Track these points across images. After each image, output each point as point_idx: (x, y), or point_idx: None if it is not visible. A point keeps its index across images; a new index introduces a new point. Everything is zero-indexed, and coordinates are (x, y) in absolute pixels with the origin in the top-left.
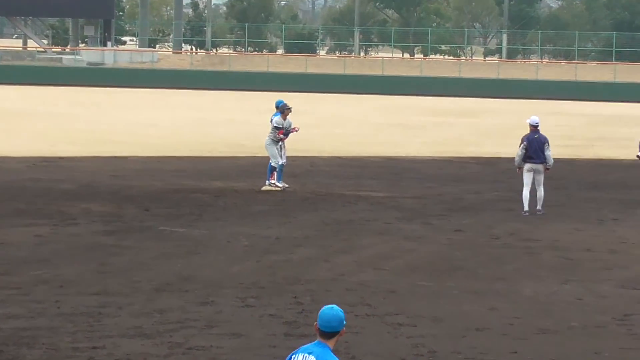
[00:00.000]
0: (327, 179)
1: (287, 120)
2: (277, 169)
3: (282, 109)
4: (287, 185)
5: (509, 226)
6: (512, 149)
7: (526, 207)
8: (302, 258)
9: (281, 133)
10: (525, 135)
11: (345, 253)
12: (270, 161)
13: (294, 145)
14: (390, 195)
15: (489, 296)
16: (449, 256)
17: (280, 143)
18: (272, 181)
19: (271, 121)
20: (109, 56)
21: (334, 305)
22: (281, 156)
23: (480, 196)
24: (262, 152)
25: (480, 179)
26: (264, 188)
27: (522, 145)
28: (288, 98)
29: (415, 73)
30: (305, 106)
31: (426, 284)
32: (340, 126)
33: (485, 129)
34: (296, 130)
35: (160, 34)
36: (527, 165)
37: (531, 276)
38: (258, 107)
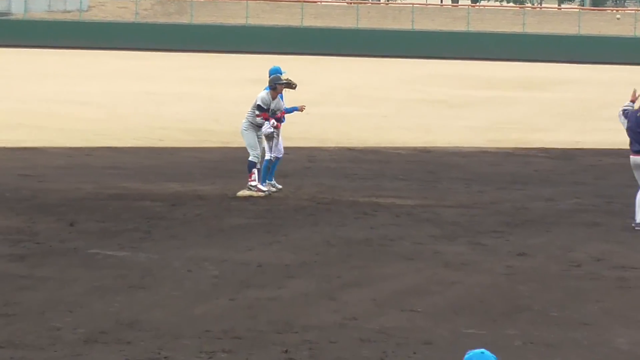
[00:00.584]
0: (332, 179)
1: (276, 100)
2: (258, 166)
3: (273, 83)
4: (275, 189)
5: (594, 248)
6: (599, 136)
7: (638, 219)
8: (295, 294)
9: (265, 117)
10: (629, 111)
11: (358, 287)
12: (251, 155)
13: (285, 132)
14: (423, 203)
15: (566, 349)
16: (509, 291)
17: (268, 130)
18: (253, 183)
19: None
20: (17, 3)
21: (483, 350)
22: (271, 148)
23: (552, 205)
24: (239, 141)
25: (553, 179)
26: (240, 193)
27: (625, 123)
28: (278, 64)
29: (459, 27)
30: (302, 75)
31: (476, 331)
32: (352, 104)
33: (560, 108)
34: (294, 113)
35: None
36: (631, 159)
37: (626, 320)
38: (233, 75)
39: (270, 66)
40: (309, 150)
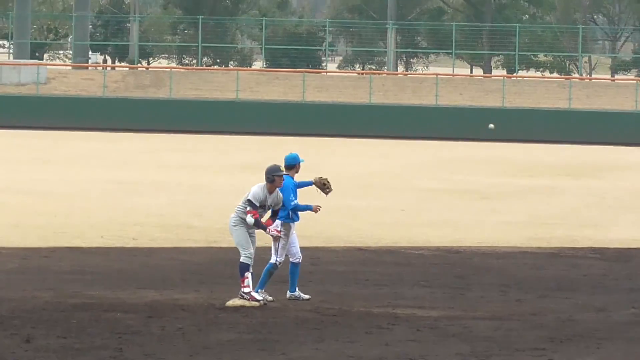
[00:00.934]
0: (340, 285)
1: (274, 195)
2: (251, 270)
3: (271, 175)
4: (270, 298)
5: None
6: None
7: None
8: None
9: (254, 214)
10: None
11: None
12: (242, 255)
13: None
14: (449, 314)
15: None
16: None
17: (272, 233)
18: (246, 290)
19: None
20: None
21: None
22: (277, 251)
23: (604, 316)
24: (228, 239)
25: (606, 285)
26: (230, 303)
27: None
28: (275, 146)
29: (492, 102)
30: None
31: None
32: (363, 194)
33: (614, 199)
34: (271, 234)
35: (53, 36)
36: None
37: None
38: (220, 161)
39: (286, 153)
40: (312, 251)
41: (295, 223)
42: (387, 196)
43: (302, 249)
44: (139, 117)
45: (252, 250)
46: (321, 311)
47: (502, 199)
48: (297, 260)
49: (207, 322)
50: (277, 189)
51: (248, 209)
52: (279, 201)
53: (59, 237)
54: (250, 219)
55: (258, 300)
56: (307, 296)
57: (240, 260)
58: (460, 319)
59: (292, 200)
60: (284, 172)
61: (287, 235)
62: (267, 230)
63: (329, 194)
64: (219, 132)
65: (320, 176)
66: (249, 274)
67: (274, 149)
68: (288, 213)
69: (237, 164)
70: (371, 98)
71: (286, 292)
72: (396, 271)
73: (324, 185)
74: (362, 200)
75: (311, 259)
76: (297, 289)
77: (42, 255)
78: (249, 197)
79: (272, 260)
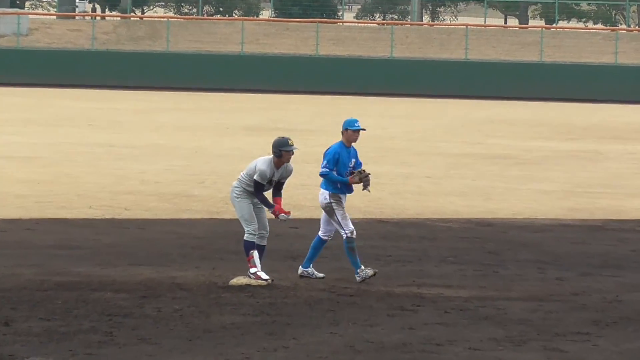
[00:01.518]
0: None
1: (282, 169)
2: (256, 246)
3: (278, 150)
4: (320, 275)
5: None
6: None
7: None
8: None
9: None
10: None
11: None
12: (246, 231)
13: (294, 199)
14: (481, 294)
15: None
16: None
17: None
18: (252, 270)
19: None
20: None
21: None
22: (340, 224)
23: None
24: (232, 210)
25: None
26: (235, 281)
27: None
28: (285, 104)
29: (529, 56)
30: (316, 122)
31: None
32: (384, 160)
33: None
34: (281, 218)
35: None
36: None
37: None
38: (224, 121)
39: (346, 117)
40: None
41: (346, 196)
42: (410, 162)
43: (315, 221)
44: (132, 73)
45: (256, 225)
46: (337, 291)
47: (539, 164)
48: (327, 237)
49: (208, 303)
50: (285, 163)
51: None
52: (287, 174)
53: (43, 208)
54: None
55: (265, 280)
56: (321, 274)
57: (245, 237)
58: (493, 300)
59: (324, 166)
60: (294, 147)
61: (339, 204)
62: (274, 211)
63: (366, 190)
64: (221, 90)
65: (362, 169)
66: (254, 253)
67: (283, 109)
68: (334, 184)
69: (243, 126)
70: (393, 52)
71: (298, 268)
72: (421, 246)
73: (361, 180)
74: (382, 166)
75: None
76: (311, 265)
77: (23, 228)
78: (255, 178)
79: (344, 236)
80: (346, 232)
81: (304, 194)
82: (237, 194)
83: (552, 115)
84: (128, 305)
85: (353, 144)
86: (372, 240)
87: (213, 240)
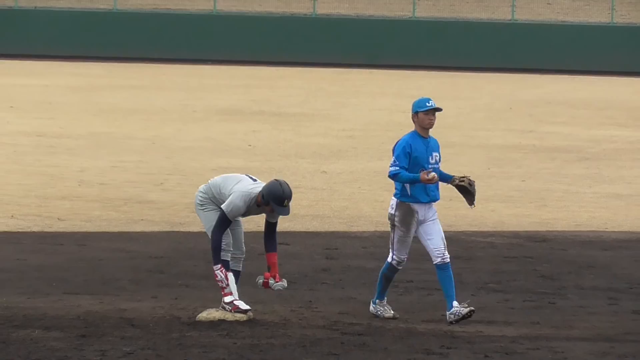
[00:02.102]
0: (369, 289)
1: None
2: (234, 267)
3: (269, 200)
4: (390, 314)
5: None
6: None
7: None
8: None
9: (221, 270)
10: None
11: None
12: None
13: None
14: (533, 333)
15: None
16: None
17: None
18: (227, 298)
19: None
20: None
21: None
22: (396, 244)
23: None
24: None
25: None
26: (204, 315)
27: None
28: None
29: (597, 16)
30: (310, 103)
31: None
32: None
33: None
34: (275, 288)
35: None
36: None
37: None
38: (190, 102)
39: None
40: (328, 238)
41: (430, 204)
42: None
43: (313, 234)
44: (67, 39)
45: (229, 241)
46: (341, 328)
47: (610, 160)
48: (441, 260)
49: (169, 344)
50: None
51: (214, 232)
52: (275, 216)
53: None
54: (219, 274)
55: (244, 312)
56: (391, 312)
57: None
58: (549, 340)
59: (393, 164)
60: (287, 210)
61: (406, 222)
62: (264, 279)
63: (472, 203)
64: (187, 61)
65: (463, 175)
66: (228, 275)
67: (269, 86)
68: (402, 187)
69: (216, 108)
70: (415, 10)
71: (287, 298)
72: (453, 268)
73: (465, 188)
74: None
75: (326, 249)
76: (385, 297)
77: None
78: (222, 207)
79: (389, 259)
80: (394, 257)
81: (297, 199)
82: (200, 201)
83: (627, 94)
84: (62, 348)
85: (431, 132)
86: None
87: (175, 260)
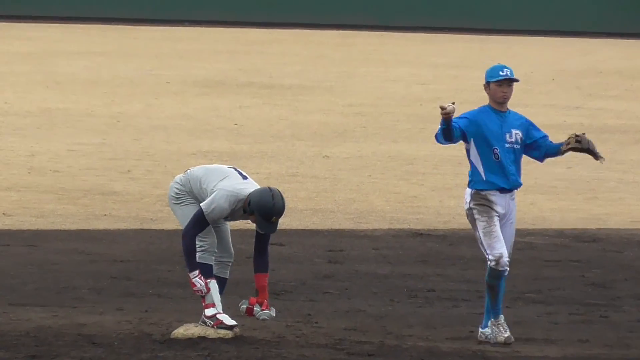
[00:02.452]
0: (382, 299)
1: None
2: (214, 273)
3: (254, 210)
4: (265, 316)
5: None
6: None
7: None
8: None
9: (201, 278)
10: None
11: None
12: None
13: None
14: (582, 352)
15: None
16: None
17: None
18: (208, 311)
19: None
20: None
21: None
22: (488, 240)
23: None
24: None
25: None
26: (180, 332)
27: None
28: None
29: None
30: (309, 74)
31: None
32: (416, 136)
33: None
34: (260, 317)
35: None
36: None
37: None
38: (163, 72)
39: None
40: (331, 237)
41: (511, 194)
42: (455, 146)
43: (314, 232)
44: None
45: (211, 240)
46: (346, 347)
47: None
48: (505, 268)
49: None
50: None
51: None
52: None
53: None
54: (197, 281)
55: (229, 327)
56: (505, 334)
57: (197, 259)
58: None
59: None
60: (274, 227)
61: (486, 211)
62: (249, 305)
63: (601, 159)
64: (159, 21)
65: (570, 136)
66: (212, 283)
67: (259, 52)
68: (474, 171)
69: (194, 79)
70: None
71: (284, 309)
72: (483, 274)
73: (580, 149)
74: (418, 145)
75: (330, 252)
76: (500, 314)
77: None
78: (202, 206)
79: (489, 260)
80: (489, 256)
81: (294, 189)
82: (178, 193)
83: None
84: None
85: (509, 106)
86: (405, 265)
87: (146, 265)
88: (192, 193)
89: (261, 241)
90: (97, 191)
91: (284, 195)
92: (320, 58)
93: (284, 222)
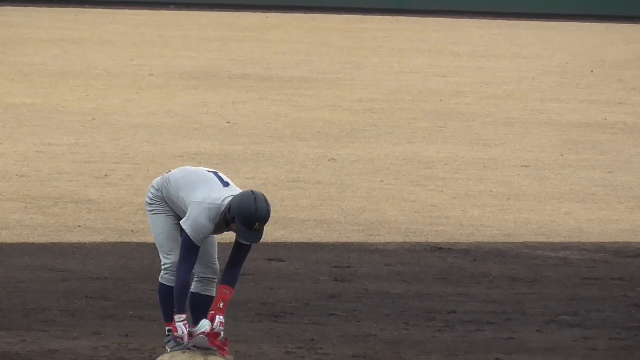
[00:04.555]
0: (395, 323)
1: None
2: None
3: (235, 218)
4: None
5: None
6: None
7: None
8: None
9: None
10: None
11: None
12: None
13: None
14: None
15: None
16: None
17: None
18: (178, 335)
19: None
20: None
21: None
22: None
23: None
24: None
25: None
26: (165, 358)
27: None
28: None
29: None
30: (312, 64)
31: None
32: (435, 135)
33: None
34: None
35: None
36: None
37: None
38: (143, 60)
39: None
40: (337, 252)
41: None
42: (492, 138)
43: (314, 246)
44: None
45: (176, 257)
46: None
47: None
48: None
49: None
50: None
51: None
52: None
53: None
54: (180, 327)
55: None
56: None
57: (160, 279)
58: None
59: None
60: (259, 235)
61: None
62: (180, 332)
63: None
64: (141, 4)
65: None
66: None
67: (255, 38)
68: None
69: (180, 70)
70: None
71: (281, 332)
72: (511, 294)
73: None
74: (438, 146)
75: (335, 268)
76: None
77: None
78: (186, 231)
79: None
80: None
81: (295, 196)
82: (152, 199)
83: None
84: None
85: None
86: (422, 283)
87: (125, 283)
88: (168, 200)
89: (239, 252)
90: (69, 199)
91: (275, 202)
92: (326, 46)
93: (283, 235)
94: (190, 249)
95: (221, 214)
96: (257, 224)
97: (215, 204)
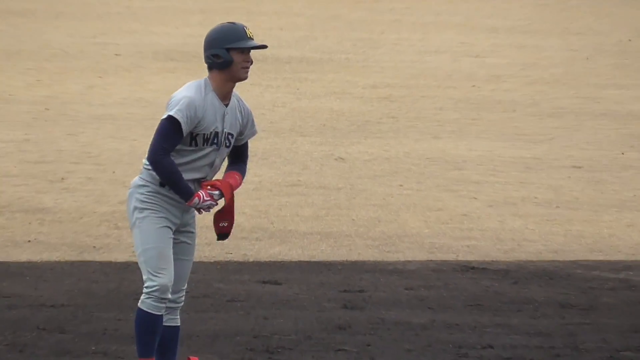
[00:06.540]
0: (419, 357)
1: (232, 107)
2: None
3: (221, 48)
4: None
5: None
6: None
7: None
8: None
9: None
10: None
11: None
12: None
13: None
14: None
15: None
16: None
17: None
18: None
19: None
20: None
21: None
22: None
23: None
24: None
25: None
26: None
27: None
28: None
29: None
30: (314, 43)
31: None
32: (464, 130)
33: None
34: (203, 207)
35: None
36: None
37: None
38: (109, 39)
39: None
40: (347, 272)
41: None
42: (532, 135)
43: (318, 265)
44: None
45: (169, 278)
46: None
47: None
48: None
49: None
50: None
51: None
52: (245, 123)
53: None
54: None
55: None
56: None
57: (139, 303)
58: None
59: None
60: (254, 42)
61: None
62: (201, 199)
63: None
64: None
65: None
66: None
67: (244, 12)
68: None
69: (153, 49)
70: None
71: None
72: (561, 325)
73: None
74: (473, 142)
75: (345, 292)
76: None
77: None
78: (162, 118)
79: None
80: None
81: (295, 203)
82: (140, 198)
83: None
84: None
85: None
86: (451, 312)
87: (87, 311)
88: (155, 188)
89: (235, 158)
90: (18, 207)
91: (270, 211)
92: (332, 20)
93: (280, 252)
94: (168, 130)
95: (202, 86)
96: (244, 29)
97: (193, 85)
